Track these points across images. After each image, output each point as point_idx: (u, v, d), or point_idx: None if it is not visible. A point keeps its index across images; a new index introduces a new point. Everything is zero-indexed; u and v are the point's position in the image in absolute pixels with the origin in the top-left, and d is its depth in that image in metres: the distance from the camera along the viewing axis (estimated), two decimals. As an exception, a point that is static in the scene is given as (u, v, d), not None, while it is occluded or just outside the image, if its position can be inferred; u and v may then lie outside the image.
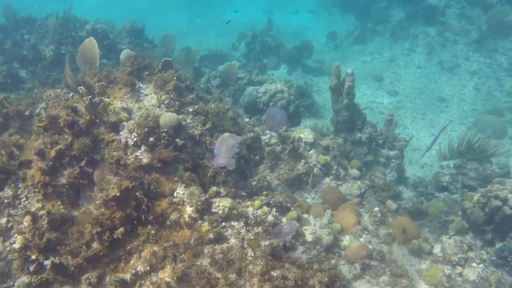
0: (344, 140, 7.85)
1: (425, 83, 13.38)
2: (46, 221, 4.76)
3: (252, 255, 4.48)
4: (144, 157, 4.99)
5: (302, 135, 7.19)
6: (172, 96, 5.75)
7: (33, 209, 4.93)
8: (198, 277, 4.28)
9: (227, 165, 5.32)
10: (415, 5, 16.33)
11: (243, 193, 5.64)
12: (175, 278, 4.34)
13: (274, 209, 5.70)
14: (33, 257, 4.70)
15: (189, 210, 4.76)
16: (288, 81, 10.47)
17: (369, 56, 15.69)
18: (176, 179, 5.02)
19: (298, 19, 22.30)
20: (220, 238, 4.73)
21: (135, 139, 5.02)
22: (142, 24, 12.04)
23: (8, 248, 4.93)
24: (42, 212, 4.91)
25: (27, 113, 5.87)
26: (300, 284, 4.22)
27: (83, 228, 4.63)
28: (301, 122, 9.53)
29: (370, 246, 5.89)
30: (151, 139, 4.99)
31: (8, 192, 5.07)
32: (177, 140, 5.23)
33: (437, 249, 6.11)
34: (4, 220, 5.03)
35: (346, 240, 6.01)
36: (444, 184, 7.42)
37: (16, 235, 4.89)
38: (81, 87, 5.42)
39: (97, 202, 4.69)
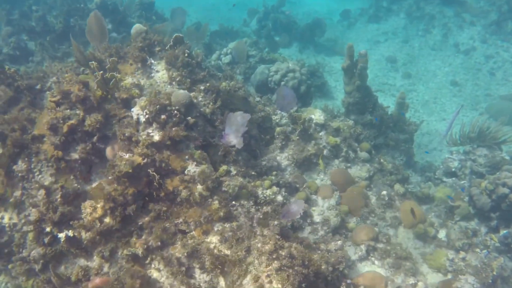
0: (354, 122, 7.80)
1: (439, 66, 13.12)
2: (59, 195, 4.84)
3: (261, 233, 4.54)
4: (156, 135, 5.01)
5: (313, 116, 7.14)
6: (183, 73, 5.70)
7: (46, 183, 5.02)
8: (207, 253, 4.38)
9: (236, 144, 5.34)
10: (433, -17, 15.87)
11: (253, 173, 5.68)
12: (185, 254, 4.44)
13: (283, 189, 5.74)
14: (48, 229, 4.81)
15: (199, 188, 4.81)
16: (299, 60, 10.33)
17: (383, 36, 15.36)
18: (187, 157, 5.05)
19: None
20: (229, 217, 4.80)
21: (147, 116, 5.03)
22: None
23: (23, 220, 5.06)
24: (55, 186, 4.99)
25: (38, 87, 5.88)
26: (307, 263, 4.30)
27: (96, 203, 4.72)
28: (312, 102, 9.46)
29: (376, 229, 5.94)
30: (162, 116, 5.00)
31: (22, 165, 5.14)
32: (189, 118, 5.23)
33: (442, 234, 6.16)
34: (18, 193, 5.13)
35: (353, 222, 6.07)
36: (453, 169, 7.40)
37: (30, 208, 5.00)
38: (93, 62, 5.39)
39: (109, 178, 4.75)
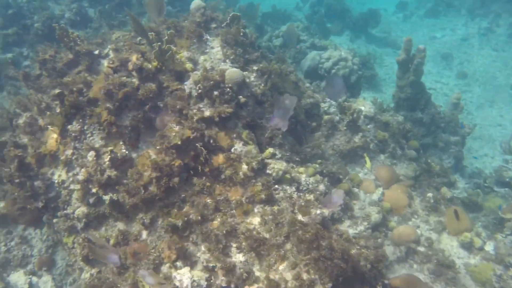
0: (404, 118, 7.49)
1: (499, 68, 12.30)
2: (108, 159, 4.97)
3: (302, 221, 4.47)
4: (207, 110, 5.00)
5: (362, 108, 6.91)
6: (237, 52, 5.64)
7: (96, 146, 5.16)
8: (246, 234, 4.36)
9: (281, 126, 5.25)
10: (503, -21, 14.78)
11: (297, 159, 5.58)
12: (224, 231, 4.43)
13: (326, 179, 5.62)
14: (94, 190, 4.98)
15: (244, 167, 4.78)
16: (351, 49, 9.99)
17: (440, 32, 14.57)
18: (234, 135, 5.02)
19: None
20: (271, 200, 4.75)
21: (199, 91, 5.02)
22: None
23: (71, 179, 5.25)
24: (104, 150, 5.12)
25: (96, 52, 6.01)
26: (346, 258, 4.19)
27: (142, 171, 4.80)
28: (360, 94, 9.17)
29: (418, 231, 5.72)
30: (215, 92, 4.97)
31: (76, 126, 5.31)
32: (240, 96, 5.17)
33: (489, 246, 5.83)
34: (70, 151, 5.31)
35: (394, 221, 5.87)
36: (507, 179, 6.97)
37: (79, 167, 5.17)
38: (152, 32, 5.42)
39: (158, 147, 4.81)
